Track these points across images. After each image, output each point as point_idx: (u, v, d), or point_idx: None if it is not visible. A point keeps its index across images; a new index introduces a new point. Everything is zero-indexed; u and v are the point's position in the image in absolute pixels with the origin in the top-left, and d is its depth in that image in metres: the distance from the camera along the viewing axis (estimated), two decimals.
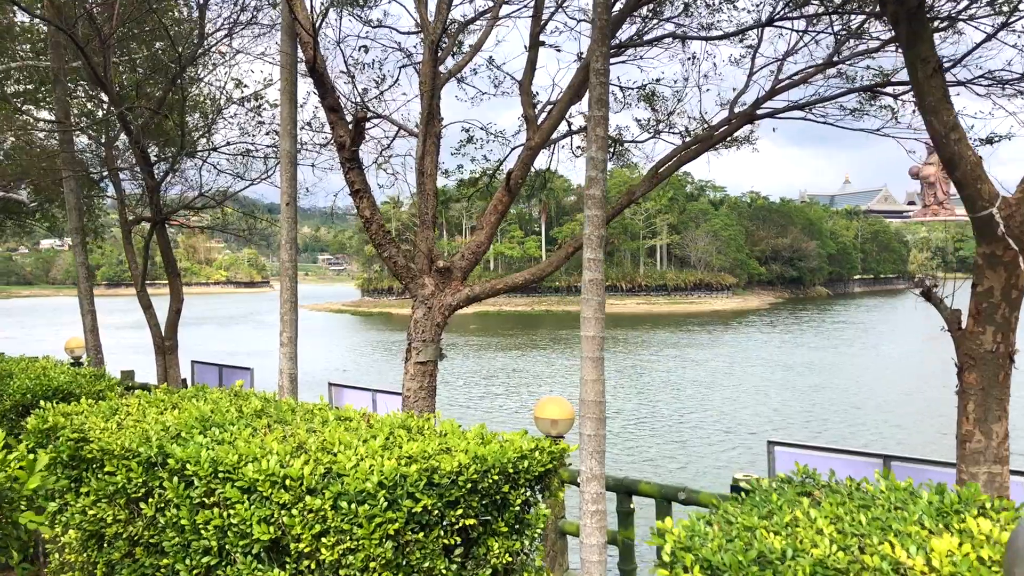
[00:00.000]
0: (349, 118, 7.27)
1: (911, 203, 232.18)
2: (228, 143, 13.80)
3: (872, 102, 8.79)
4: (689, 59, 9.09)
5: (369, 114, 8.06)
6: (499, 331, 63.55)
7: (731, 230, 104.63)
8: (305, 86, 9.94)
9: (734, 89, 9.43)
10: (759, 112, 8.26)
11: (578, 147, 10.13)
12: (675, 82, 9.81)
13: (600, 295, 6.12)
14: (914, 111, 9.26)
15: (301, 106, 10.20)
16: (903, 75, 8.13)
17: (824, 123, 8.95)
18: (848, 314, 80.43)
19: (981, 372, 4.26)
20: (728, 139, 9.15)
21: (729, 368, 39.11)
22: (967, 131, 4.59)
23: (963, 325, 4.45)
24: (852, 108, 8.58)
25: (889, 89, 8.23)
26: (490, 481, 3.78)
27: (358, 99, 8.64)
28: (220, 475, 3.92)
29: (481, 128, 9.79)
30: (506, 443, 4.04)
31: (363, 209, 7.19)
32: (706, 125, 9.05)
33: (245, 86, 13.50)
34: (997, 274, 4.08)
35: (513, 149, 9.69)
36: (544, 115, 8.25)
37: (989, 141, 8.78)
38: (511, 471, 3.90)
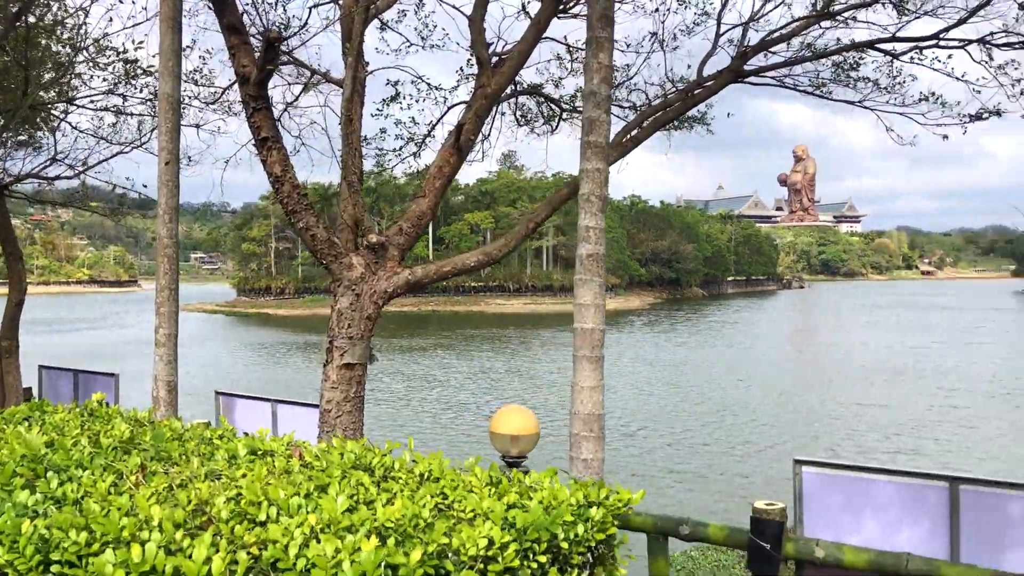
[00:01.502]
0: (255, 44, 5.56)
1: (779, 209, 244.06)
2: (91, 98, 11.49)
3: (861, 62, 7.80)
4: (655, 10, 7.82)
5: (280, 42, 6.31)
6: (397, 332, 61.14)
7: (614, 232, 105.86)
8: (189, 31, 8.04)
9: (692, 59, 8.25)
10: (747, 68, 7.08)
11: (522, 110, 8.67)
12: (640, 42, 8.55)
13: (600, 275, 4.69)
14: (901, 81, 8.34)
15: (186, 49, 8.27)
16: (904, 31, 7.14)
17: (807, 92, 7.90)
18: (723, 314, 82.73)
19: None
20: (694, 107, 7.94)
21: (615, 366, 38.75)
22: None
23: None
24: (849, 67, 7.54)
25: (888, 47, 7.23)
26: (533, 567, 2.27)
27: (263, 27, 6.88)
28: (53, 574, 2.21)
29: (417, 79, 8.12)
30: (550, 497, 2.53)
31: (272, 164, 5.50)
32: (675, 88, 7.80)
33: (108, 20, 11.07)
34: None
35: (451, 107, 8.13)
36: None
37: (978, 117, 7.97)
38: (561, 543, 2.40)
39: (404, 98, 8.05)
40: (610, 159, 7.20)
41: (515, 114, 8.96)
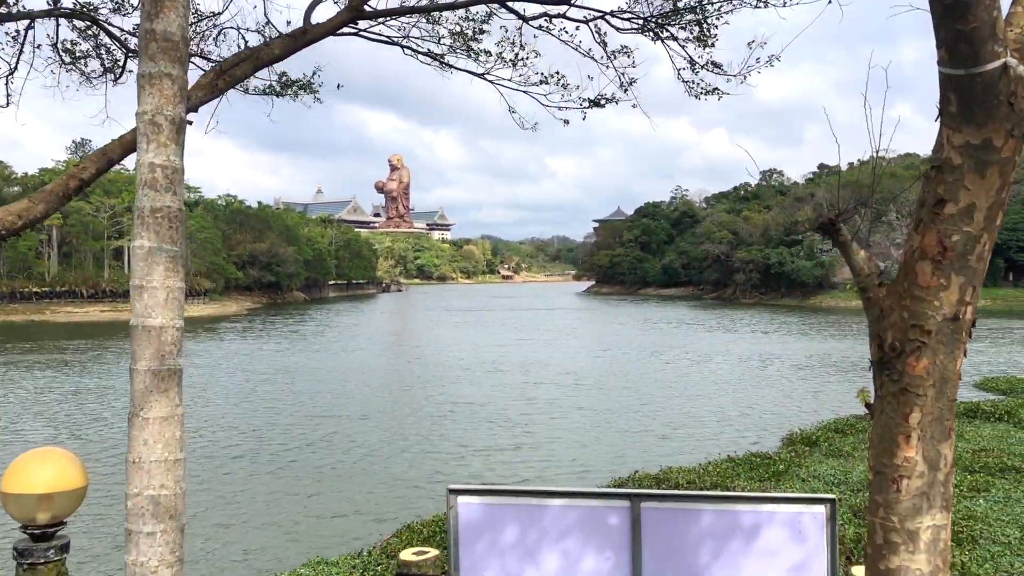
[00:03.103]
0: None
1: (377, 215, 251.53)
2: None
3: (486, 30, 7.04)
4: None
5: None
6: None
7: (207, 232, 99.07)
8: None
9: None
10: (366, 9, 5.81)
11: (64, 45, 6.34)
12: None
13: (177, 242, 2.99)
14: (526, 56, 7.78)
15: None
16: None
17: (429, 56, 6.93)
18: (328, 317, 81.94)
19: (936, 354, 2.49)
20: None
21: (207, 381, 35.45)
22: None
23: (892, 276, 2.64)
24: (472, 35, 6.68)
25: (519, 7, 6.52)
26: None
27: None
28: None
29: None
30: None
31: None
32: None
33: None
34: (987, 181, 2.33)
35: None
36: None
37: None
38: None
39: None
40: (199, 99, 5.39)
41: (56, 47, 6.62)
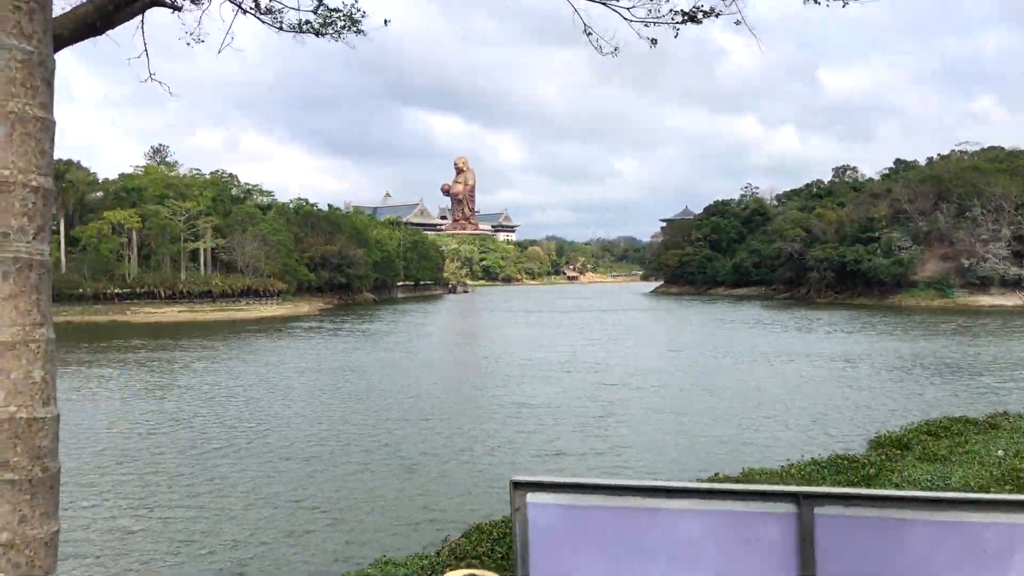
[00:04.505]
0: None
1: (443, 217, 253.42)
2: None
3: None
4: None
5: None
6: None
7: (280, 235, 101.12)
8: None
9: None
10: None
11: None
12: None
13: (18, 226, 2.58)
14: None
15: None
16: None
17: None
18: (396, 317, 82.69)
19: None
20: None
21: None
22: None
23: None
24: None
25: None
26: None
27: None
28: None
29: None
30: None
31: None
32: None
33: None
34: None
35: None
36: None
37: None
38: None
39: None
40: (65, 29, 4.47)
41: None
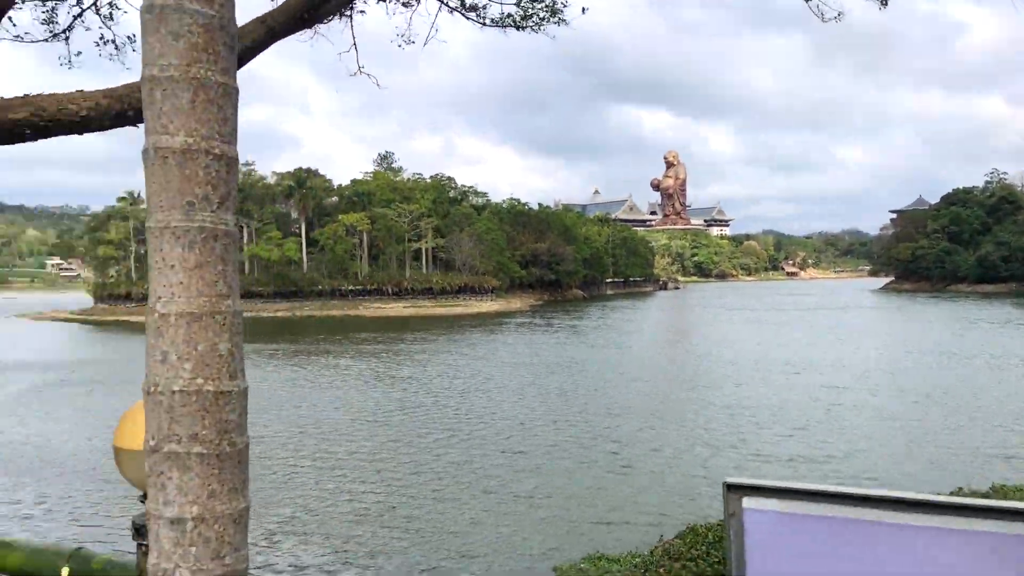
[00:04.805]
0: None
1: (653, 213, 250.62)
2: None
3: None
4: None
5: None
6: (275, 338, 56.87)
7: (493, 234, 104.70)
8: None
9: None
10: None
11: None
12: None
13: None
14: None
15: None
16: None
17: None
18: (606, 313, 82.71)
19: None
20: None
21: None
22: None
23: None
24: None
25: None
26: None
27: None
28: None
29: None
30: None
31: None
32: None
33: None
34: None
35: None
36: None
37: None
38: None
39: None
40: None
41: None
